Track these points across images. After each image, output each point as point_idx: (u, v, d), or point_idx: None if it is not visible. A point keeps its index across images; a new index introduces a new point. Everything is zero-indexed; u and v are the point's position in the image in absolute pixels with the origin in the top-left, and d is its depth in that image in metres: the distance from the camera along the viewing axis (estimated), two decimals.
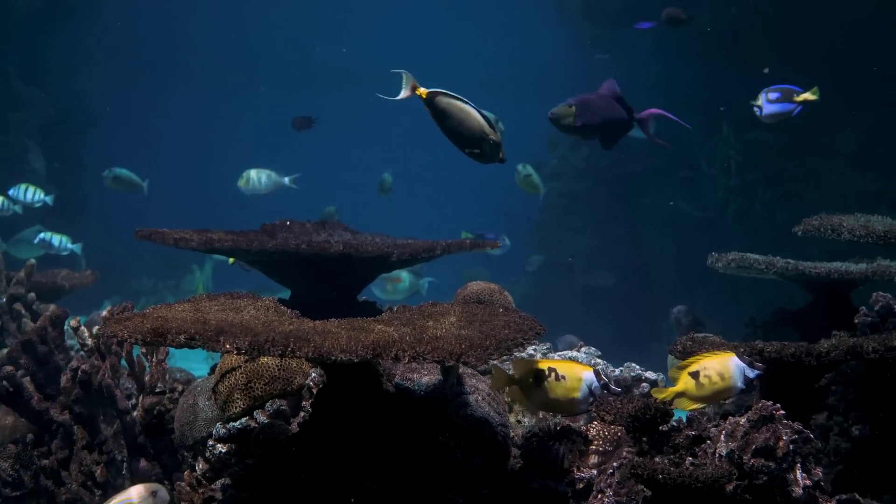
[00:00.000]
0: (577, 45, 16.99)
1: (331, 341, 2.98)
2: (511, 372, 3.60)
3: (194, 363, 6.88)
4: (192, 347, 3.05)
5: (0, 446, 4.78)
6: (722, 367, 3.47)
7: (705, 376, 3.46)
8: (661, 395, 3.53)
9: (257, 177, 9.75)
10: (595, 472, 3.71)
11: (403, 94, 3.95)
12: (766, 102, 5.84)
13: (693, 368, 3.47)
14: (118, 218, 11.84)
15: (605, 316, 13.07)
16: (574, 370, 3.51)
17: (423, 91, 3.94)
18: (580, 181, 14.50)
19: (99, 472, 4.40)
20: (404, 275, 9.44)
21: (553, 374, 3.50)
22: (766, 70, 10.67)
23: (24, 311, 6.24)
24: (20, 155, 14.73)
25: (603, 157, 14.27)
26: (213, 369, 4.70)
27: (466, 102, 3.98)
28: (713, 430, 3.48)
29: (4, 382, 4.48)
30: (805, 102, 5.76)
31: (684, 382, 3.48)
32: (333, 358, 2.93)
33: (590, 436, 3.87)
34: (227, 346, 2.99)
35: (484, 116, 3.96)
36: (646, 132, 5.45)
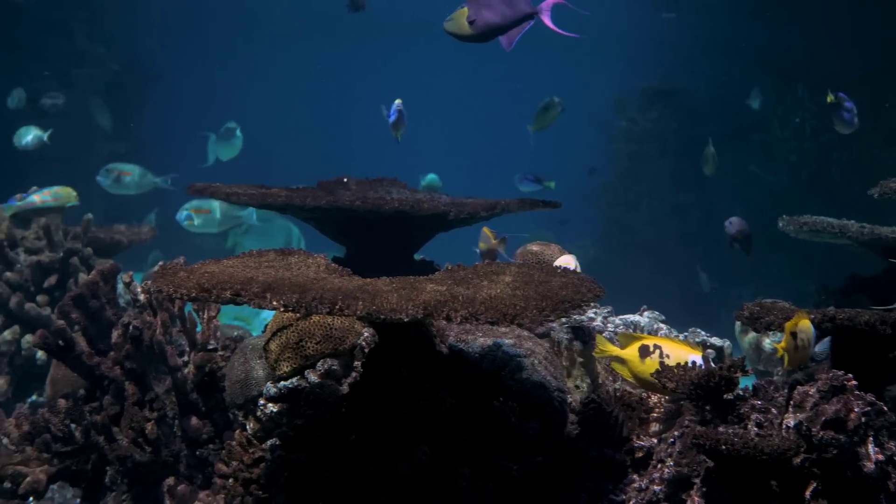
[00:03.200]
0: (644, 3, 16.73)
1: (381, 300, 2.87)
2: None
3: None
4: (238, 304, 2.97)
5: (51, 401, 4.76)
6: (810, 332, 3.34)
7: (801, 339, 3.32)
8: (779, 346, 3.39)
9: (24, 133, 9.67)
10: (655, 440, 3.59)
11: None
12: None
13: (794, 329, 3.34)
14: (181, 175, 11.82)
15: (673, 281, 12.87)
16: (681, 352, 3.40)
17: None
18: (649, 143, 14.27)
19: (150, 428, 4.34)
20: (214, 205, 9.04)
21: (658, 352, 3.39)
22: None
23: (80, 266, 6.23)
24: (85, 111, 14.80)
25: (672, 119, 14.05)
26: (266, 328, 4.63)
27: None
28: (780, 399, 3.34)
29: (55, 337, 4.43)
30: (830, 103, 6.06)
31: (787, 341, 3.35)
32: (383, 317, 2.82)
33: (650, 403, 3.74)
34: (274, 303, 2.89)
35: None
36: (547, 24, 4.96)
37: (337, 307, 2.85)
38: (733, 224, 6.91)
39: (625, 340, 3.51)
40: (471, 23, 4.61)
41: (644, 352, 3.42)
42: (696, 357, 3.37)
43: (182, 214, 8.65)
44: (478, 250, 5.29)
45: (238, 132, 10.53)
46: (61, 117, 12.71)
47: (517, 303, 2.93)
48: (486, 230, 5.27)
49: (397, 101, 5.71)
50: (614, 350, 3.51)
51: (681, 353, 3.40)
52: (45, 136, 9.86)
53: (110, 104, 15.41)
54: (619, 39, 19.23)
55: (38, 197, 6.69)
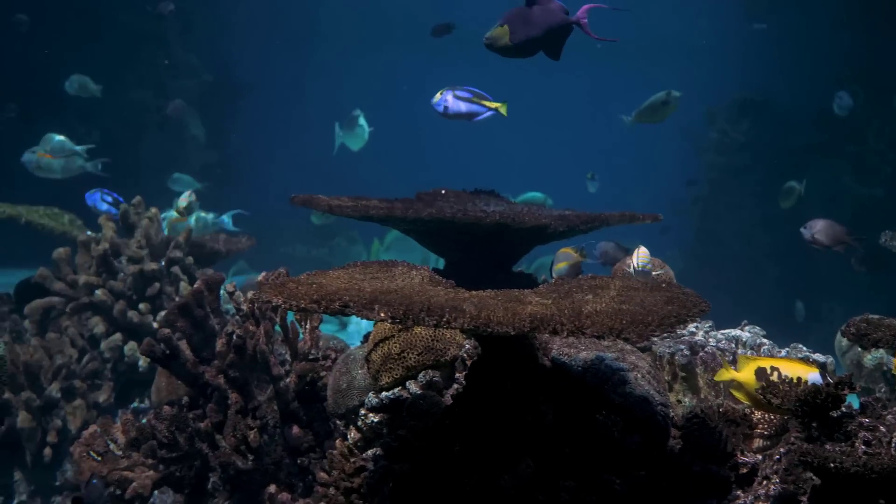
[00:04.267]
0: (735, 13, 16.58)
1: (487, 312, 2.89)
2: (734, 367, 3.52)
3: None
4: (346, 315, 3.00)
5: (157, 408, 4.86)
6: None
7: None
8: None
9: (48, 141, 9.86)
10: (760, 457, 3.56)
11: None
12: None
13: None
14: (271, 183, 11.98)
15: (763, 293, 12.73)
16: (798, 371, 3.38)
17: None
18: (740, 155, 14.14)
19: (252, 436, 4.41)
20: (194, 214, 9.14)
21: (776, 374, 3.38)
22: None
23: (181, 275, 6.35)
24: (180, 121, 15.04)
25: (764, 131, 13.90)
26: (365, 338, 4.67)
27: None
28: (889, 417, 3.29)
29: (161, 345, 4.52)
30: None
31: None
32: (490, 330, 2.84)
33: (754, 419, 3.71)
34: (382, 315, 2.92)
35: None
36: (586, 32, 4.95)
37: (444, 319, 2.87)
38: (810, 227, 6.74)
39: (742, 362, 3.49)
40: (513, 41, 4.67)
41: (761, 374, 3.40)
42: (814, 376, 3.34)
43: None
44: (554, 272, 5.23)
45: (361, 120, 10.62)
46: (158, 128, 12.97)
47: (623, 317, 2.93)
48: (565, 249, 5.23)
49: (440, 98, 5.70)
50: (731, 374, 3.49)
51: (799, 372, 3.37)
52: (81, 149, 10.15)
53: (203, 114, 15.65)
54: (709, 50, 19.08)
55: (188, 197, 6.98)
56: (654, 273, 4.52)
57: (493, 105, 5.60)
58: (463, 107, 5.56)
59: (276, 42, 21.84)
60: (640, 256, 4.42)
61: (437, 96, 5.60)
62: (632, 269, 4.41)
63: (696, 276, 12.90)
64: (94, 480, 4.16)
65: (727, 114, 14.44)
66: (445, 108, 5.53)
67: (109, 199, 8.02)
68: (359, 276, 3.53)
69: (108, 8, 14.16)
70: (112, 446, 4.59)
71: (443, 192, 5.33)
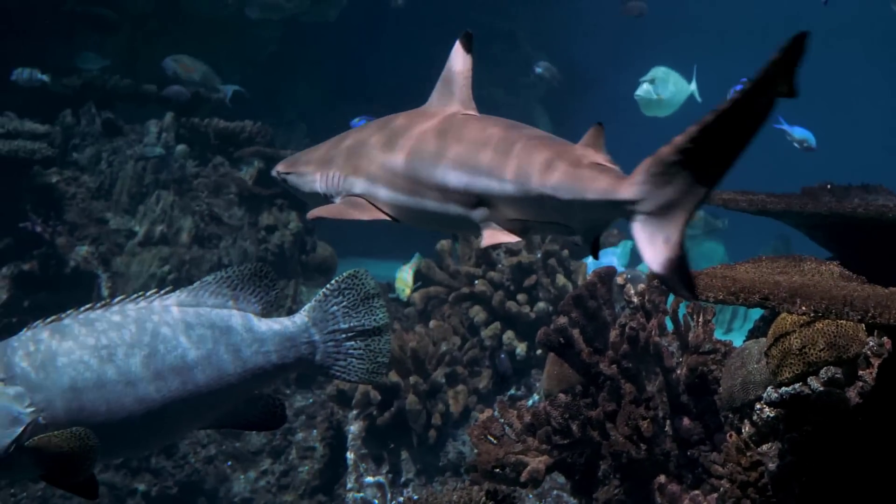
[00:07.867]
0: None
1: None
2: None
3: None
4: (765, 308, 3.04)
5: (548, 395, 5.02)
6: None
7: None
8: None
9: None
10: None
11: None
12: None
13: None
14: None
15: None
16: None
17: None
18: None
19: (645, 426, 4.47)
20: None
21: None
22: None
23: (557, 267, 6.52)
24: (529, 118, 15.34)
25: None
26: (750, 333, 4.67)
27: None
28: None
29: (557, 334, 4.67)
30: None
31: None
32: None
33: None
34: (803, 308, 2.93)
35: None
36: None
37: (869, 315, 2.85)
38: None
39: None
40: None
41: None
42: None
43: None
44: None
45: (650, 87, 10.47)
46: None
47: None
48: None
49: None
50: None
51: None
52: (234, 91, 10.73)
53: (549, 110, 15.88)
54: None
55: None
56: None
57: None
58: None
59: (624, 40, 21.90)
60: None
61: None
62: None
63: None
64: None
65: None
66: None
67: None
68: (767, 270, 3.54)
69: (463, 7, 14.58)
70: (508, 430, 4.78)
71: (828, 186, 5.22)
